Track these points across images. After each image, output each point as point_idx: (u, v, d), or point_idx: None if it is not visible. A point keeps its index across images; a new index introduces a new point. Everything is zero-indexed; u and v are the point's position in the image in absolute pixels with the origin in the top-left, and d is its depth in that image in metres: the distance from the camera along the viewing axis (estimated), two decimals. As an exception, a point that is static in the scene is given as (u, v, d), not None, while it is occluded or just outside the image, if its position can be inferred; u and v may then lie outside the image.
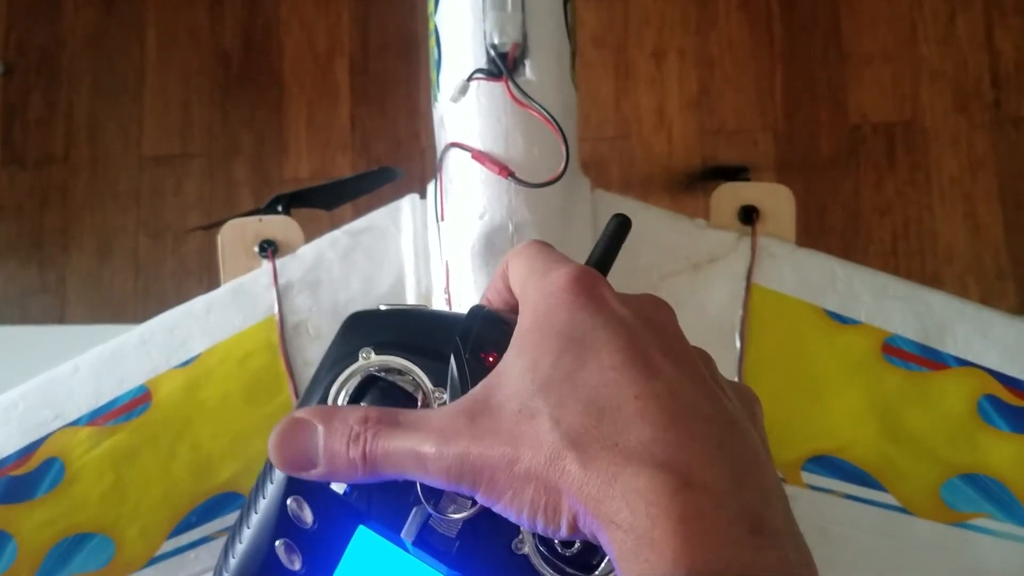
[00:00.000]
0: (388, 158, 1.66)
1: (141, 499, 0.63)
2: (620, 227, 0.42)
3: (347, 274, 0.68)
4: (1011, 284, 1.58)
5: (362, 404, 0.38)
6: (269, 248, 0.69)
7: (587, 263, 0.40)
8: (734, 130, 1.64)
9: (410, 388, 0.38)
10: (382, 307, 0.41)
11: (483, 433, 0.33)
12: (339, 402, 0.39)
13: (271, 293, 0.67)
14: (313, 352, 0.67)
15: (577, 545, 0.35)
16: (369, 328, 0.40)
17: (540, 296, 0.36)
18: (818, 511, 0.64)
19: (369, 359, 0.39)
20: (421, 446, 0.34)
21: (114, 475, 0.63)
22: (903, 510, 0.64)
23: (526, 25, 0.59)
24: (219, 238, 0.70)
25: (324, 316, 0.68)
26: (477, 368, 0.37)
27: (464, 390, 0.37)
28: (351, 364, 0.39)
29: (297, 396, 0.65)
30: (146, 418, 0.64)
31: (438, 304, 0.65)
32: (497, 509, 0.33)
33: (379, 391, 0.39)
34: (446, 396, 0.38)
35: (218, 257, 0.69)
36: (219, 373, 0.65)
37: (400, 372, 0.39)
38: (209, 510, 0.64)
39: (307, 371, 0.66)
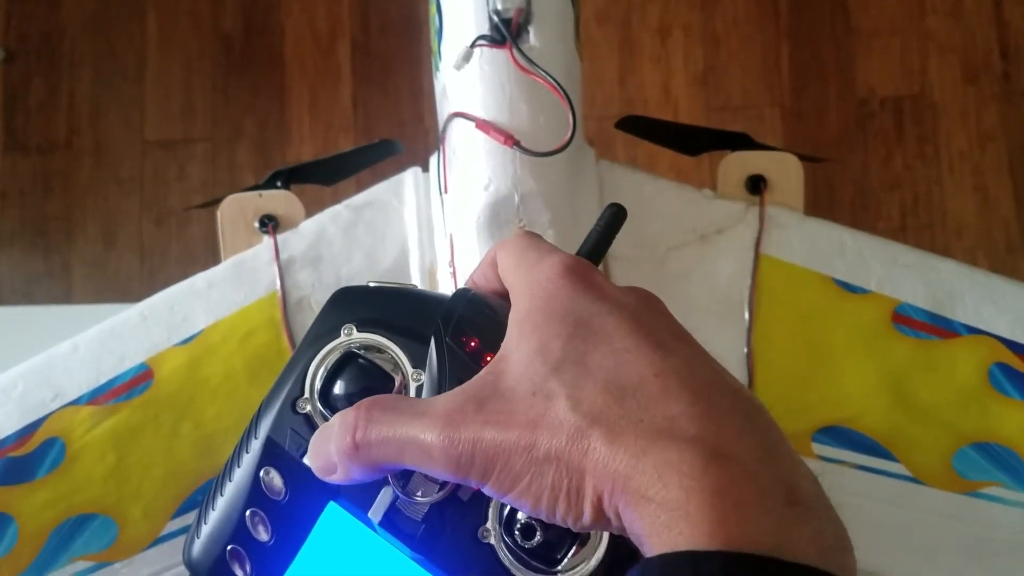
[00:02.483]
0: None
1: (144, 479, 0.62)
2: (614, 217, 0.41)
3: (349, 249, 0.67)
4: (1021, 258, 1.58)
5: (339, 382, 0.39)
6: (270, 223, 0.68)
7: (578, 253, 0.40)
8: (740, 106, 1.63)
9: (388, 367, 0.38)
10: (371, 283, 0.41)
11: (496, 418, 0.32)
12: (317, 377, 0.39)
13: (273, 269, 0.66)
14: (316, 329, 0.66)
15: (539, 536, 0.35)
16: (354, 304, 0.40)
17: (535, 282, 0.36)
18: (829, 482, 0.64)
19: (351, 336, 0.39)
20: (424, 433, 0.33)
21: (116, 455, 0.62)
22: (915, 480, 0.64)
23: None
24: (219, 213, 0.69)
25: (327, 291, 0.65)
26: (457, 351, 0.37)
27: (441, 372, 0.37)
28: (333, 340, 0.39)
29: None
30: (148, 396, 0.63)
31: (443, 277, 0.64)
32: (508, 499, 0.33)
33: (357, 368, 0.39)
34: (424, 378, 0.37)
35: (218, 233, 0.69)
36: (222, 350, 0.64)
37: (380, 351, 0.39)
38: (213, 490, 0.63)
39: (310, 348, 0.65)
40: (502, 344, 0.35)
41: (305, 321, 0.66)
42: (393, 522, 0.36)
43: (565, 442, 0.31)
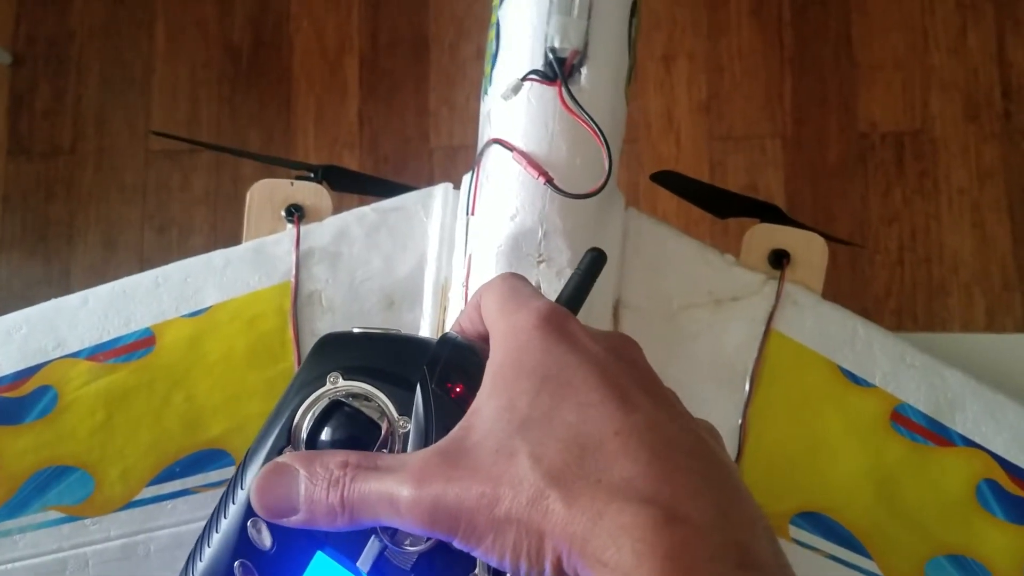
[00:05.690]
0: (396, 156, 1.66)
1: (128, 442, 0.62)
2: (593, 263, 0.42)
3: (369, 251, 0.67)
4: (1018, 296, 1.58)
5: (325, 430, 0.39)
6: (296, 213, 0.68)
7: (558, 300, 0.40)
8: (742, 136, 1.64)
9: (375, 415, 0.39)
10: (355, 330, 0.41)
11: (460, 474, 0.33)
12: (304, 426, 0.39)
13: (291, 258, 0.66)
14: (323, 324, 0.66)
15: None
16: (340, 352, 0.40)
17: (511, 332, 0.36)
18: (800, 567, 0.64)
19: (336, 384, 0.39)
20: (396, 490, 0.33)
21: (105, 413, 0.62)
22: (884, 581, 0.64)
23: (589, 33, 0.58)
24: (248, 195, 0.69)
25: (339, 289, 0.66)
26: (443, 398, 0.37)
27: (428, 419, 0.37)
28: (318, 388, 0.39)
29: (300, 365, 0.64)
30: (147, 362, 0.63)
31: (455, 295, 0.64)
32: (477, 554, 0.33)
33: (344, 417, 0.39)
34: (411, 425, 0.38)
35: (244, 213, 0.68)
36: (227, 329, 0.64)
37: (366, 399, 0.39)
38: (193, 464, 0.62)
39: (313, 342, 0.65)
40: (475, 397, 0.36)
41: (313, 314, 0.66)
42: (382, 571, 0.36)
43: (525, 502, 0.31)
